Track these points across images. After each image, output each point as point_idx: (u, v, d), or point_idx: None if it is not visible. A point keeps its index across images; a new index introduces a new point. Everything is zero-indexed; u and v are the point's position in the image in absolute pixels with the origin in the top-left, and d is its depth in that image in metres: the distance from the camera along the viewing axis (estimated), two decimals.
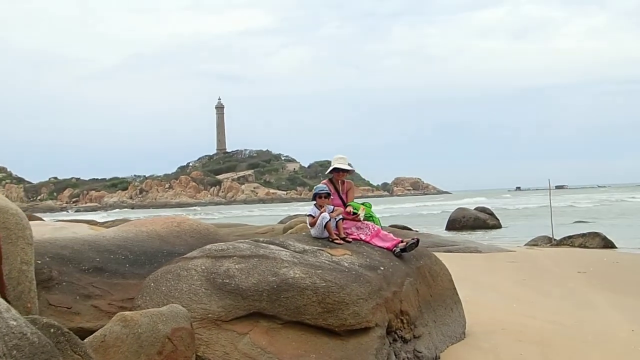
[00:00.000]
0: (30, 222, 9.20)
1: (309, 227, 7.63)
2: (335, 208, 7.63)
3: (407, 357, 6.77)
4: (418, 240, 7.63)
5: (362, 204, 8.08)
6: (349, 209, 7.87)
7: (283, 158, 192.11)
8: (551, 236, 25.02)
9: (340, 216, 7.58)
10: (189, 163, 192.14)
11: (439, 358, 7.27)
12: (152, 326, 5.15)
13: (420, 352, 6.89)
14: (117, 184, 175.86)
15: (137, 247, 8.21)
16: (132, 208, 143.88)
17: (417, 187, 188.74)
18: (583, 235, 24.28)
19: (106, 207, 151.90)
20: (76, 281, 6.99)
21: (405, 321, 6.88)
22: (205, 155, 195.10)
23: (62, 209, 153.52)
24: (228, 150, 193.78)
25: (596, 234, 23.92)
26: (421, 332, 7.10)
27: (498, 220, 37.92)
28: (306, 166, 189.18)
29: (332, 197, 7.86)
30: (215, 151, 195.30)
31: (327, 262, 6.67)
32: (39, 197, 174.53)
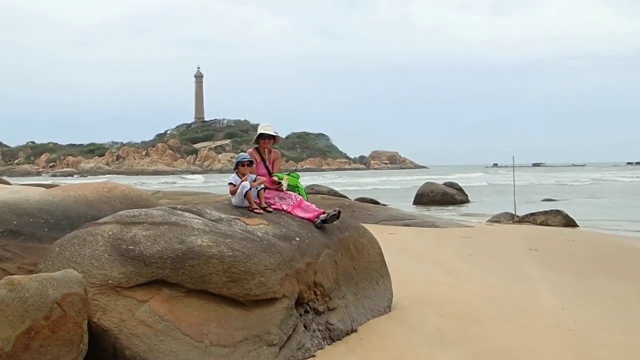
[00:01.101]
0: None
1: (230, 195, 7.54)
2: (258, 177, 7.55)
3: (319, 329, 6.75)
4: (340, 212, 7.57)
5: (289, 174, 8.00)
6: (273, 178, 7.79)
7: None
8: (514, 213, 25.13)
9: (262, 185, 7.50)
10: (167, 131, 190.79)
11: (357, 331, 7.25)
12: (41, 290, 5.04)
13: (333, 325, 6.86)
14: (94, 150, 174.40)
15: (60, 211, 8.07)
16: (109, 174, 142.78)
17: (394, 161, 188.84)
18: (545, 212, 24.32)
19: (82, 172, 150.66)
20: None
21: (319, 293, 6.85)
22: (184, 124, 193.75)
23: (38, 173, 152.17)
24: (206, 119, 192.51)
25: (558, 212, 23.95)
26: (336, 304, 7.07)
27: (466, 195, 38.06)
28: (283, 137, 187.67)
29: (255, 165, 7.77)
30: (193, 120, 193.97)
31: (239, 231, 6.59)
32: (16, 161, 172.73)
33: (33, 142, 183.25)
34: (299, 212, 7.55)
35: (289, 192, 7.77)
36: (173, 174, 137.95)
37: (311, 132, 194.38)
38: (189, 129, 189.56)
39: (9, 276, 5.09)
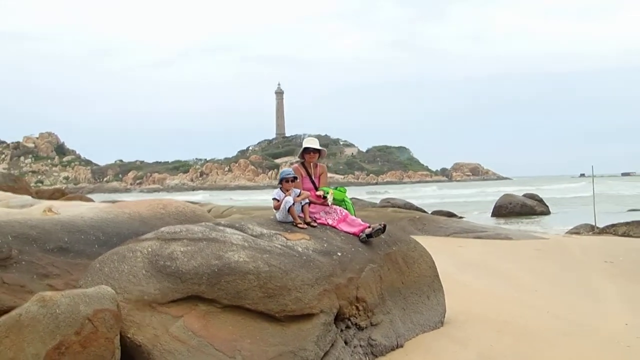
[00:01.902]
0: (73, 202, 9.43)
1: (274, 210, 7.50)
2: (302, 192, 7.48)
3: (360, 345, 6.60)
4: (385, 226, 7.41)
5: (336, 188, 7.90)
6: (318, 192, 7.71)
7: (341, 142, 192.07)
8: (594, 224, 24.21)
9: (307, 200, 7.43)
10: (248, 147, 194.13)
11: (402, 346, 7.06)
12: (73, 307, 5.11)
13: (375, 340, 6.70)
14: (179, 167, 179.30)
15: (113, 228, 8.23)
16: (193, 190, 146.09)
17: (477, 173, 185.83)
18: (627, 223, 23.31)
19: (168, 188, 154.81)
20: (37, 260, 7.05)
21: (361, 308, 6.70)
22: (265, 140, 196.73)
23: (126, 190, 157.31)
24: (287, 134, 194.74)
25: None
26: (380, 319, 6.90)
27: (547, 207, 37.07)
28: (364, 151, 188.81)
29: (300, 180, 7.72)
30: (274, 135, 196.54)
31: (279, 246, 6.53)
32: (105, 179, 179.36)
33: (121, 160, 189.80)
34: (344, 227, 7.44)
35: (335, 206, 7.66)
36: (255, 189, 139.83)
37: (392, 145, 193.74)
38: (270, 145, 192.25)
39: (41, 292, 5.18)
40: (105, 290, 5.43)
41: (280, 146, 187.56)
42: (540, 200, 37.39)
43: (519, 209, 35.34)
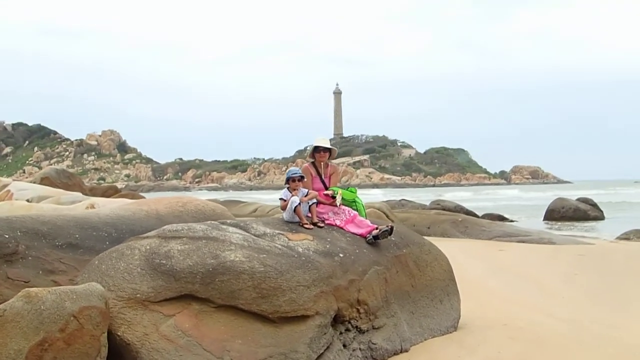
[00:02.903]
0: (118, 200, 9.58)
1: (281, 210, 7.42)
2: (310, 192, 7.39)
3: (360, 348, 6.48)
4: (392, 228, 7.26)
5: (347, 189, 7.78)
6: (327, 192, 7.60)
7: (399, 144, 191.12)
8: None
9: (314, 200, 7.33)
10: (306, 147, 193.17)
11: (407, 351, 6.91)
12: (58, 303, 5.11)
13: (375, 344, 6.56)
14: (237, 166, 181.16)
15: (127, 225, 8.28)
16: (250, 189, 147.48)
17: (536, 176, 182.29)
18: None
19: (226, 187, 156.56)
20: (44, 256, 7.11)
21: (362, 311, 6.58)
22: None
23: (185, 189, 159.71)
24: (345, 135, 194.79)
25: None
26: (383, 323, 6.76)
27: (601, 211, 36.02)
28: (422, 152, 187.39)
29: (307, 180, 7.62)
30: (332, 136, 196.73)
31: (279, 246, 6.46)
32: (165, 177, 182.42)
33: (181, 159, 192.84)
34: (351, 228, 7.31)
35: (344, 207, 7.54)
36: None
37: (450, 147, 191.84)
38: None
39: (27, 289, 5.19)
40: (94, 288, 5.43)
41: (338, 146, 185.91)
42: (595, 205, 36.36)
43: (572, 213, 34.45)
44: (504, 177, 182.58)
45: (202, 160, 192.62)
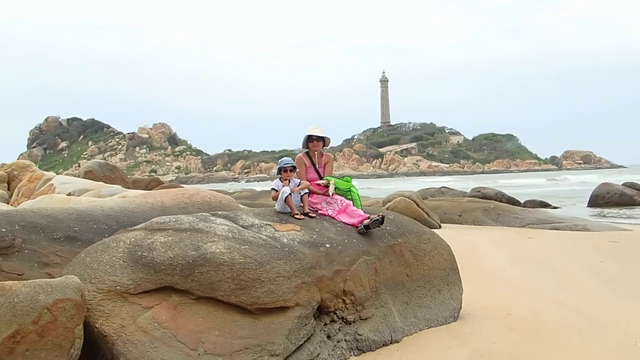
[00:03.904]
0: (154, 192, 9.69)
1: (273, 200, 7.40)
2: (302, 182, 7.35)
3: (345, 340, 6.43)
4: (383, 217, 7.15)
5: (341, 178, 7.72)
6: (321, 182, 7.55)
7: (447, 131, 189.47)
8: None
9: (306, 190, 7.29)
10: (354, 136, 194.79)
11: (399, 341, 6.83)
12: (32, 296, 5.18)
13: (361, 335, 6.50)
14: (284, 156, 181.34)
15: (129, 218, 8.35)
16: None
17: (589, 161, 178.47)
18: None
19: (273, 177, 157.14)
20: (40, 249, 7.22)
21: (348, 302, 6.52)
22: (370, 129, 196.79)
23: (234, 179, 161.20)
24: (392, 123, 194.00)
25: None
26: (371, 313, 6.69)
27: None
28: (470, 139, 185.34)
29: (300, 170, 7.58)
30: (379, 124, 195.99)
31: (264, 237, 6.44)
32: (214, 168, 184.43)
33: (230, 150, 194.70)
34: (343, 218, 7.25)
35: (337, 196, 7.47)
36: (359, 177, 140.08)
37: (499, 133, 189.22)
38: (375, 134, 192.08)
39: (2, 282, 5.28)
40: (70, 280, 5.48)
41: (385, 135, 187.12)
42: None
43: (617, 198, 33.56)
44: (555, 163, 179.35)
45: (251, 151, 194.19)
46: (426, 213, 20.23)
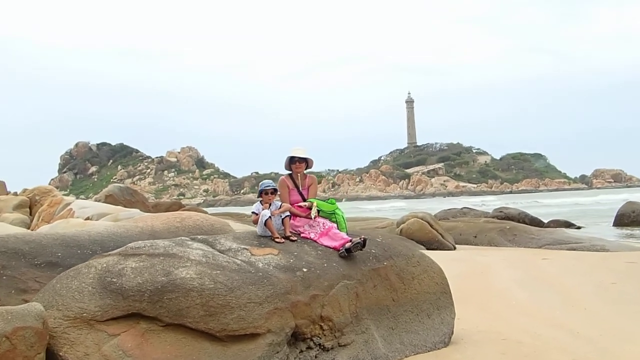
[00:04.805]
0: (173, 213, 9.67)
1: (254, 224, 7.25)
2: (283, 204, 7.21)
3: None
4: (365, 240, 6.95)
5: (326, 200, 7.55)
6: (305, 204, 7.39)
7: (474, 150, 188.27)
8: None
9: (287, 213, 7.13)
10: (380, 157, 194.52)
11: None
12: None
13: None
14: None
15: (115, 243, 8.27)
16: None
17: (619, 180, 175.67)
18: None
19: None
20: (19, 275, 7.17)
21: (325, 328, 6.33)
22: (397, 149, 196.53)
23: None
24: (419, 143, 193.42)
25: None
26: (351, 340, 6.48)
27: None
28: (498, 158, 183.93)
29: (282, 192, 7.43)
30: (406, 145, 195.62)
31: (238, 262, 6.30)
32: (242, 191, 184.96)
33: (257, 173, 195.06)
34: (324, 241, 7.07)
35: (319, 219, 7.30)
36: (386, 199, 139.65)
37: (527, 152, 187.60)
38: (401, 154, 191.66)
39: None
40: (32, 308, 5.38)
41: (412, 155, 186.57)
42: None
43: None
44: (585, 182, 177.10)
45: (278, 173, 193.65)
46: (440, 234, 19.96)
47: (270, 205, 7.14)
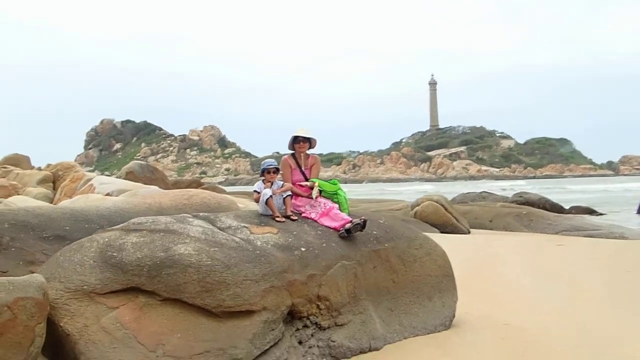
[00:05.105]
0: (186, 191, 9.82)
1: (255, 203, 7.34)
2: (284, 184, 7.28)
3: (318, 346, 6.33)
4: (365, 221, 7.00)
5: (328, 181, 7.61)
6: (306, 183, 7.47)
7: (497, 134, 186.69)
8: None
9: (289, 192, 7.21)
10: (402, 139, 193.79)
11: (378, 349, 6.69)
12: None
13: (335, 342, 6.38)
14: (332, 159, 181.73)
15: (122, 218, 8.36)
16: (345, 182, 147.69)
17: None
18: None
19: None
20: (28, 248, 7.32)
21: (323, 307, 6.41)
22: (418, 132, 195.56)
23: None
24: (441, 126, 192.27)
25: None
26: (348, 320, 6.57)
27: None
28: (522, 143, 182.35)
29: (284, 172, 7.51)
30: (428, 127, 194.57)
31: (237, 239, 6.39)
32: None
33: (278, 152, 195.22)
34: (325, 221, 7.14)
35: (321, 199, 7.37)
36: (406, 181, 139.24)
37: (552, 137, 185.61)
38: (423, 137, 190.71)
39: None
40: (34, 279, 5.51)
41: (434, 138, 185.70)
42: None
43: None
44: (612, 168, 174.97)
45: None
46: (455, 218, 19.93)
47: (272, 184, 7.21)
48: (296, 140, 7.61)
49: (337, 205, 7.36)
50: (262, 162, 7.42)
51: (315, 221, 7.16)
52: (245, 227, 6.73)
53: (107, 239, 6.24)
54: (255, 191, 7.26)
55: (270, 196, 7.04)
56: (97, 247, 6.13)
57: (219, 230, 6.56)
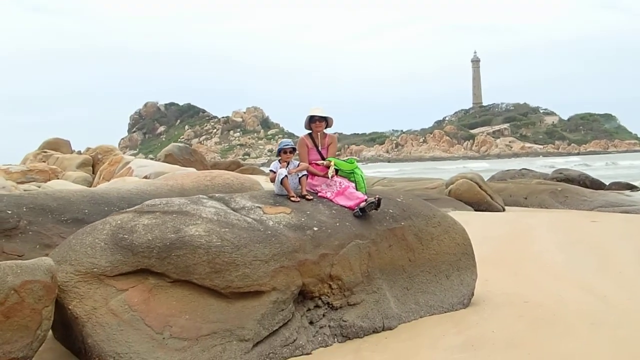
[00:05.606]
0: (204, 172, 9.90)
1: (271, 182, 7.28)
2: (300, 163, 7.20)
3: (329, 326, 6.27)
4: (380, 200, 6.89)
5: (346, 160, 7.51)
6: (322, 162, 7.38)
7: (541, 111, 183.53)
8: None
9: (304, 172, 7.12)
10: (445, 117, 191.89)
11: (392, 328, 6.60)
12: (0, 277, 5.27)
13: (346, 321, 6.31)
14: (375, 139, 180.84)
15: (143, 200, 8.34)
16: (388, 162, 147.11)
17: None
18: None
19: (364, 160, 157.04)
20: (45, 231, 7.38)
21: (334, 287, 6.34)
22: (462, 110, 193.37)
23: None
24: (484, 104, 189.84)
25: None
26: (361, 299, 6.49)
27: None
28: (566, 119, 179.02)
29: (301, 151, 7.43)
30: (471, 105, 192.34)
31: (249, 220, 6.34)
32: None
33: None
34: (340, 200, 7.05)
35: (337, 178, 7.27)
36: (449, 159, 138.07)
37: (596, 112, 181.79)
38: (466, 115, 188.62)
39: None
40: (42, 262, 5.53)
41: (477, 116, 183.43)
42: None
43: None
44: None
45: (342, 133, 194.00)
46: (489, 195, 19.63)
47: (288, 164, 7.13)
48: (312, 120, 7.51)
49: (353, 184, 7.25)
50: (279, 142, 7.35)
51: (331, 200, 7.07)
52: (259, 207, 6.68)
53: (119, 221, 6.24)
54: (271, 170, 7.20)
55: (286, 176, 6.96)
56: (109, 230, 6.13)
57: (232, 211, 6.51)
